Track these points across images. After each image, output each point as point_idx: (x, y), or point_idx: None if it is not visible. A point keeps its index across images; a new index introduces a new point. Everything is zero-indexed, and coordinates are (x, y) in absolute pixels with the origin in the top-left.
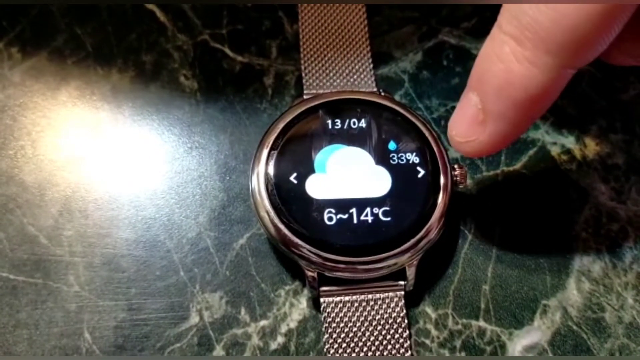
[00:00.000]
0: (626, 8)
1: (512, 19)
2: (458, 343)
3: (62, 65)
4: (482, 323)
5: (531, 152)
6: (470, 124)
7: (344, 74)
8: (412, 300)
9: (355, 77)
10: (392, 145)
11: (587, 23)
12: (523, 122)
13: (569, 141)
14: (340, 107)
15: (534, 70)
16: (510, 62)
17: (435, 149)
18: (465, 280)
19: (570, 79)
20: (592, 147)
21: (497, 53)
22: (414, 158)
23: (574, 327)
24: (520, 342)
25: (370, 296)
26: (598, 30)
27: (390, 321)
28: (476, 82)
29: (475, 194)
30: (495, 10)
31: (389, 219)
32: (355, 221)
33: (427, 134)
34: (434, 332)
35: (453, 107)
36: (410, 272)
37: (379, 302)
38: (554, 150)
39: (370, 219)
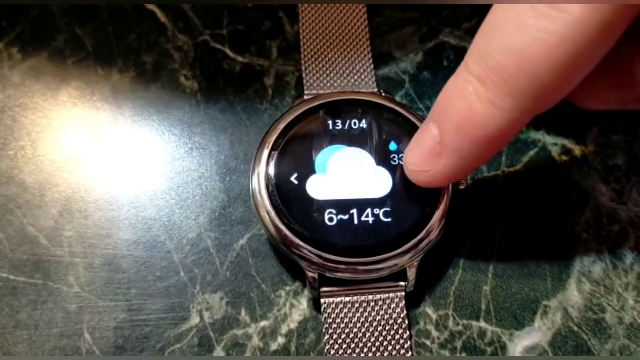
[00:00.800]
0: (591, 58)
1: (479, 60)
2: (459, 344)
3: (62, 66)
4: (482, 324)
5: (532, 152)
6: (426, 155)
7: (345, 75)
8: (413, 300)
9: (355, 77)
10: (392, 146)
11: (549, 71)
12: (477, 159)
13: (570, 141)
14: (341, 108)
15: (494, 111)
16: (472, 101)
17: None
18: (466, 281)
19: (528, 123)
20: (592, 148)
21: (461, 90)
22: None
23: (575, 328)
24: (520, 342)
25: (370, 297)
26: (560, 79)
27: (390, 322)
28: (437, 115)
29: (476, 194)
30: None
31: (389, 219)
32: (356, 222)
33: None
34: (434, 333)
35: None
36: (411, 273)
37: (380, 302)
38: (555, 151)
39: (371, 219)
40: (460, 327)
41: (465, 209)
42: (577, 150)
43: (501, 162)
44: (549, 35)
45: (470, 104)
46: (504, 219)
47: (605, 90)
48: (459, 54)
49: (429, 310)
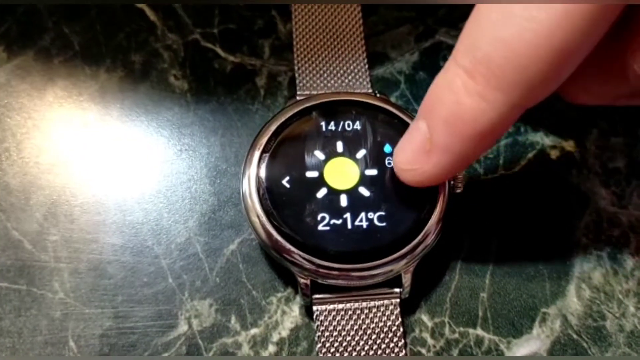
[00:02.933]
0: (581, 48)
1: (467, 53)
2: (455, 352)
3: (48, 65)
4: (479, 332)
5: (530, 155)
6: (416, 152)
7: (339, 75)
8: (408, 307)
9: (350, 77)
10: (387, 148)
11: (538, 63)
12: (468, 156)
13: (569, 144)
14: (334, 109)
15: (483, 105)
16: (461, 95)
17: None
18: (463, 287)
19: (519, 118)
20: (592, 151)
21: (450, 85)
22: None
23: (574, 336)
24: (519, 351)
25: (364, 304)
26: (550, 70)
27: (385, 330)
28: (426, 111)
29: (473, 198)
30: None
31: (384, 224)
32: (349, 226)
33: None
34: (430, 341)
35: None
36: (406, 279)
37: (374, 310)
38: (554, 154)
39: (365, 224)
40: (456, 335)
41: (462, 213)
42: (576, 153)
43: (499, 165)
44: (537, 24)
45: (459, 99)
46: (501, 224)
47: (596, 84)
48: None
49: (425, 318)
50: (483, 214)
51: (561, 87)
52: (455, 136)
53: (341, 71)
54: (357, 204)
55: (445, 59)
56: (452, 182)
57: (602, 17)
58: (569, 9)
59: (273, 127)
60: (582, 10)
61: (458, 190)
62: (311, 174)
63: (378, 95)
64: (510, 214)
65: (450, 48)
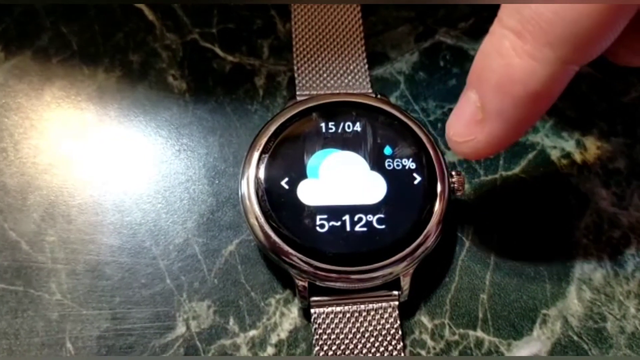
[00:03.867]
0: (632, 4)
1: (513, 12)
2: (455, 354)
3: (46, 65)
4: (479, 333)
5: (530, 156)
6: (468, 123)
7: (338, 75)
8: (408, 309)
9: (349, 78)
10: (387, 150)
11: (590, 16)
12: (522, 121)
13: (569, 145)
14: (334, 110)
15: (534, 64)
16: (510, 56)
17: (432, 154)
18: (463, 288)
19: (572, 77)
20: (592, 151)
21: (497, 48)
22: (410, 163)
23: (575, 338)
24: (519, 352)
25: (362, 307)
26: (602, 24)
27: (383, 333)
28: (475, 80)
29: (472, 199)
30: (492, 10)
31: (383, 226)
32: (348, 229)
33: (423, 138)
34: (430, 343)
35: (450, 110)
36: (405, 282)
37: (372, 312)
38: (554, 154)
39: (364, 226)
40: (456, 337)
41: (462, 214)
42: (576, 153)
43: (499, 166)
44: None
45: (508, 61)
46: (501, 225)
47: None
48: (456, 54)
49: (425, 319)
50: (483, 215)
51: (610, 49)
52: (508, 101)
53: (341, 71)
54: (357, 205)
55: (445, 59)
56: (452, 186)
57: None
58: None
59: (272, 128)
60: None
61: (458, 193)
62: (310, 175)
63: (378, 96)
64: (510, 215)
65: (450, 48)
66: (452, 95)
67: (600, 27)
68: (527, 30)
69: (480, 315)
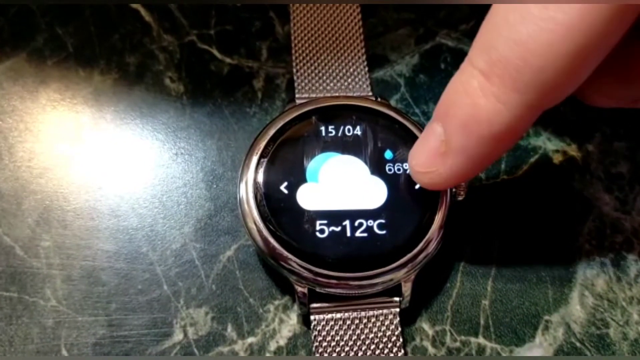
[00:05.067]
0: (600, 49)
1: (482, 54)
2: None
3: (41, 67)
4: (481, 340)
5: (532, 160)
6: (431, 155)
7: (338, 77)
8: (408, 316)
9: (349, 80)
10: (388, 154)
11: (555, 65)
12: (485, 158)
13: (572, 149)
14: (334, 114)
15: (500, 107)
16: (477, 96)
17: None
18: (464, 294)
19: (536, 119)
20: (595, 155)
21: (465, 87)
22: None
23: (577, 344)
24: None
25: (363, 313)
26: (568, 72)
27: (384, 340)
28: (442, 114)
29: (474, 203)
30: None
31: (384, 232)
32: (348, 234)
33: None
34: (431, 350)
35: None
36: (406, 288)
37: (373, 319)
38: (556, 158)
39: (364, 231)
40: (458, 344)
41: (463, 218)
42: (579, 157)
43: (500, 170)
44: (556, 24)
45: (475, 100)
46: (503, 230)
47: (614, 86)
48: (456, 56)
49: (426, 326)
50: (485, 221)
51: (578, 89)
52: (471, 138)
53: (340, 74)
54: (357, 211)
55: (445, 62)
56: (453, 189)
57: (621, 18)
58: (587, 9)
59: (271, 132)
60: (601, 11)
61: (460, 198)
62: (310, 179)
63: (379, 99)
64: (512, 220)
65: (450, 50)
66: None
67: (567, 75)
68: (495, 73)
69: (482, 321)
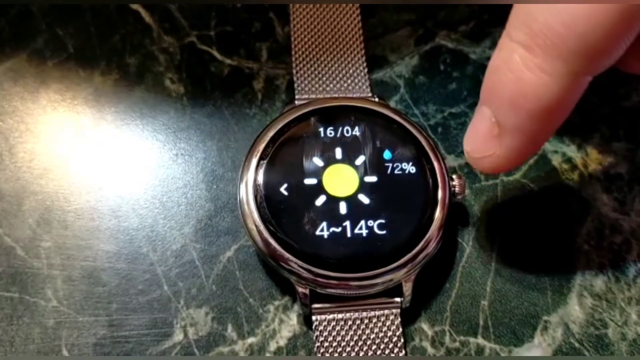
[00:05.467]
0: None
1: (521, 26)
2: None
3: (42, 67)
4: (480, 340)
5: (531, 161)
6: (485, 139)
7: (338, 78)
8: (408, 316)
9: (349, 81)
10: (387, 155)
11: (601, 28)
12: (540, 134)
13: (571, 150)
14: (333, 115)
15: (546, 78)
16: (520, 71)
17: (432, 158)
18: (463, 295)
19: (586, 87)
20: (594, 156)
21: (507, 63)
22: (410, 168)
23: (576, 345)
24: None
25: (364, 314)
26: (612, 36)
27: (385, 340)
28: (487, 95)
29: (473, 204)
30: (493, 14)
31: (384, 232)
32: (348, 234)
33: (424, 142)
34: (430, 350)
35: (450, 114)
36: (407, 288)
37: (374, 320)
38: (555, 159)
39: (364, 232)
40: (457, 344)
41: (462, 219)
42: (578, 158)
43: None
44: None
45: (519, 75)
46: (502, 231)
47: None
48: (456, 57)
49: (425, 326)
50: (484, 221)
51: (621, 58)
52: (522, 115)
53: (340, 74)
54: (357, 211)
55: (445, 63)
56: (453, 189)
57: None
58: None
59: (271, 133)
60: None
61: (459, 197)
62: (310, 180)
63: (377, 100)
64: (511, 221)
65: (450, 51)
66: (453, 99)
67: (612, 38)
68: (537, 44)
69: (481, 322)
